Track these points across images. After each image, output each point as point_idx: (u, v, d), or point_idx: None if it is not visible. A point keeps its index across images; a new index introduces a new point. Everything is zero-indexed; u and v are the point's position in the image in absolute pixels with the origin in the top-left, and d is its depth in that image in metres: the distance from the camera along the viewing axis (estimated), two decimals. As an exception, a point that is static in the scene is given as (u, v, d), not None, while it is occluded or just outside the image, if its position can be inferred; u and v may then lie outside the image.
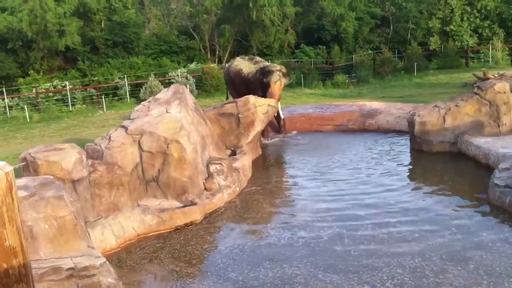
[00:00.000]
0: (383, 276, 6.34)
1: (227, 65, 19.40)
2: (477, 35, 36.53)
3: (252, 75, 14.99)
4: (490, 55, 34.14)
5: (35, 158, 7.24)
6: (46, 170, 7.14)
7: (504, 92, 11.84)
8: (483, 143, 11.16)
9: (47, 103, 26.68)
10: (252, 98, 12.46)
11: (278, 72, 14.48)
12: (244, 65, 15.53)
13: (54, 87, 28.62)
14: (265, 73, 14.52)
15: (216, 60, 36.13)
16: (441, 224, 7.86)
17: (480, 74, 20.84)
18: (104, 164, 8.19)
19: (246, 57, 16.54)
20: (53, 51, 33.55)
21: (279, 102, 14.65)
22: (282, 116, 14.95)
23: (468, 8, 36.26)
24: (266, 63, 15.55)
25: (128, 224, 8.03)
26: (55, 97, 27.73)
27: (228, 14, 36.07)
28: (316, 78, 30.43)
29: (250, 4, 33.78)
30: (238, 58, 16.44)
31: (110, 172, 8.09)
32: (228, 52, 36.84)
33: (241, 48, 36.93)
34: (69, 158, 7.33)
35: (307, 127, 15.80)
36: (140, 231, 8.10)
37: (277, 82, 14.42)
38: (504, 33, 36.02)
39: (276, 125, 15.50)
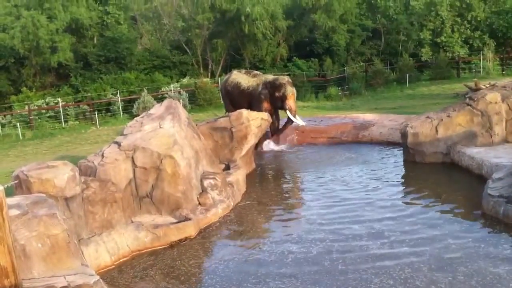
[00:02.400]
0: (375, 288, 6.34)
1: (221, 78, 19.50)
2: (468, 45, 36.74)
3: (253, 88, 15.15)
4: (481, 66, 34.33)
5: (27, 176, 7.20)
6: (39, 187, 7.11)
7: (496, 102, 11.91)
8: (476, 153, 11.20)
9: (39, 120, 26.57)
10: (245, 112, 12.49)
11: (289, 84, 14.86)
12: (242, 78, 15.67)
13: (47, 104, 28.53)
14: (276, 86, 14.76)
15: (209, 74, 36.18)
16: (435, 236, 7.85)
17: (471, 84, 20.99)
18: (97, 181, 8.16)
19: (243, 71, 16.71)
20: (45, 67, 33.49)
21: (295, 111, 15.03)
22: (304, 123, 15.27)
23: (459, 19, 36.50)
24: (268, 76, 15.78)
25: (122, 241, 7.98)
26: (48, 114, 27.62)
27: (220, 28, 36.17)
28: (309, 90, 30.49)
29: (242, 18, 33.92)
30: (235, 72, 16.56)
31: (103, 188, 8.06)
32: (220, 66, 36.92)
33: (234, 62, 37.01)
34: (62, 175, 7.30)
35: (301, 139, 15.82)
36: (134, 248, 8.05)
37: (292, 94, 14.86)
38: (495, 43, 36.22)
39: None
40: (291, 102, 14.76)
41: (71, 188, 7.34)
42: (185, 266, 7.51)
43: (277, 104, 14.89)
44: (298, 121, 14.98)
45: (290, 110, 14.75)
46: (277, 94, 14.72)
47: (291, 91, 14.78)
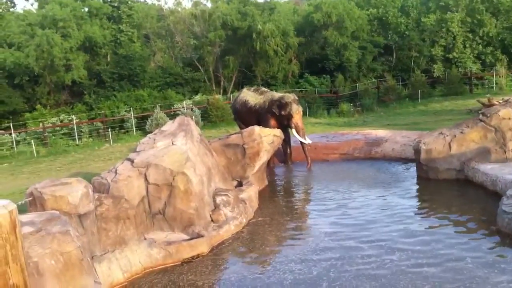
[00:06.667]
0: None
1: (233, 95, 19.62)
2: (480, 61, 36.63)
3: (259, 106, 15.23)
4: (494, 81, 34.20)
5: (41, 193, 7.24)
6: (52, 204, 7.14)
7: (509, 118, 11.81)
8: (490, 169, 11.10)
9: (53, 137, 26.79)
10: (257, 128, 12.49)
11: (295, 103, 14.87)
12: (250, 96, 15.76)
13: (61, 121, 28.77)
14: (282, 105, 14.79)
15: (221, 91, 36.34)
16: (449, 254, 7.76)
17: (484, 100, 20.81)
18: (110, 198, 8.19)
19: (252, 88, 16.79)
20: (59, 85, 33.85)
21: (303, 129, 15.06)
22: (310, 142, 15.21)
23: (470, 35, 36.45)
24: (275, 94, 15.78)
25: (135, 258, 7.98)
26: (62, 131, 27.88)
27: (232, 45, 36.42)
28: (320, 107, 30.53)
29: (254, 36, 34.14)
30: (244, 90, 16.71)
31: (116, 205, 8.08)
32: (232, 83, 37.08)
33: (246, 79, 37.17)
34: (76, 192, 7.34)
35: (313, 156, 15.75)
36: (146, 265, 8.05)
37: (299, 112, 14.89)
38: (507, 59, 36.11)
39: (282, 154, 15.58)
40: (297, 120, 14.80)
41: (84, 205, 7.38)
42: (185, 283, 7.50)
43: (284, 122, 14.89)
44: (303, 139, 14.95)
45: (296, 128, 14.78)
46: (283, 112, 14.75)
47: (296, 109, 14.81)
